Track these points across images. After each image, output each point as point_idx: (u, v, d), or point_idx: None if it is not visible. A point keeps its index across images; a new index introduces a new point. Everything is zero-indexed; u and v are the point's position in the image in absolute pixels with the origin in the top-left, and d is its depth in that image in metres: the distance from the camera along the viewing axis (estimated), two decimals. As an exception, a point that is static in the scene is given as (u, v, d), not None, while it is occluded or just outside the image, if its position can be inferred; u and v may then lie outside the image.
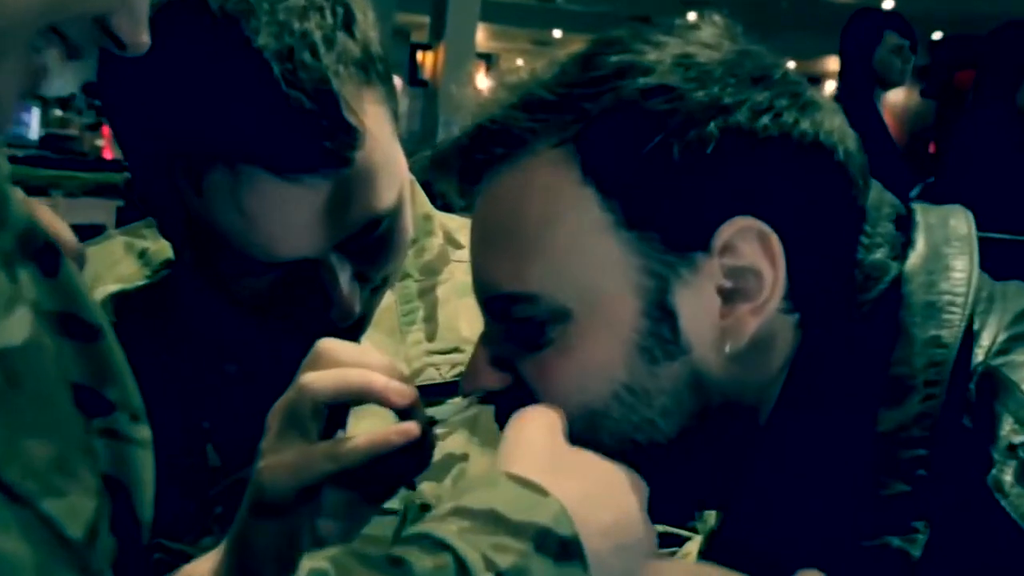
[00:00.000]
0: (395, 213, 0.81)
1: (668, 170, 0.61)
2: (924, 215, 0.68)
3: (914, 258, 0.65)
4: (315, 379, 0.65)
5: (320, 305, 0.79)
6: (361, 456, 0.64)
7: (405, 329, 0.91)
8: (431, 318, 0.93)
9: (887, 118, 3.65)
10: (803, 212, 0.63)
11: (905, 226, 0.67)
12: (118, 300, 0.90)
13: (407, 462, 0.67)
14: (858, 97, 3.47)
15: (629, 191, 0.62)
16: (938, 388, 0.61)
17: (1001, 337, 0.63)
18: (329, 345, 0.68)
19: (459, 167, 0.68)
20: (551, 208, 0.63)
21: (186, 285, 0.89)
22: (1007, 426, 0.59)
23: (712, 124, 0.61)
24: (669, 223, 0.62)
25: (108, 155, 7.01)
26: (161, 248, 0.93)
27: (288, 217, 0.74)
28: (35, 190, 5.53)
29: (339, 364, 0.66)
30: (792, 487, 0.63)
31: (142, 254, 0.93)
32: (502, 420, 0.67)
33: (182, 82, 0.73)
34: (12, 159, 6.40)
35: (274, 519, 0.65)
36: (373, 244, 0.80)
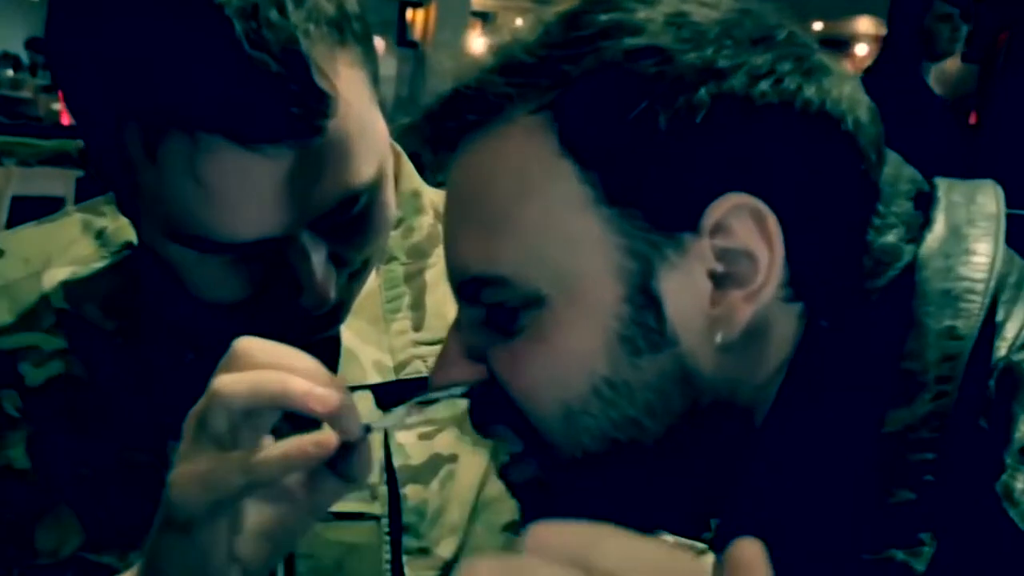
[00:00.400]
0: (374, 188, 0.80)
1: (653, 140, 0.59)
2: (948, 192, 0.67)
3: (931, 240, 0.63)
4: (227, 384, 0.64)
5: (290, 292, 0.78)
6: (275, 469, 0.63)
7: (389, 317, 0.90)
8: (418, 305, 0.92)
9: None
10: (805, 188, 0.62)
11: (925, 205, 0.66)
12: (71, 287, 0.89)
13: (341, 474, 0.67)
14: (904, 67, 3.47)
15: (610, 163, 0.60)
16: (951, 385, 0.60)
17: None
18: (247, 345, 0.66)
19: (431, 136, 0.67)
20: (525, 181, 0.62)
21: (148, 268, 0.87)
22: (1022, 427, 0.58)
23: (703, 90, 0.60)
24: (654, 199, 0.60)
25: (66, 120, 6.97)
26: (121, 227, 0.92)
27: (251, 191, 0.73)
28: (-16, 158, 5.50)
29: (257, 366, 0.65)
30: (790, 494, 0.62)
31: (100, 234, 0.92)
32: (477, 418, 0.66)
33: (136, 39, 0.71)
34: (-41, 124, 6.37)
35: (184, 535, 0.64)
36: (350, 223, 0.79)
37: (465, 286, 0.65)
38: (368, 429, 0.65)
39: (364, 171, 0.78)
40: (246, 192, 0.72)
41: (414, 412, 0.68)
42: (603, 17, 0.62)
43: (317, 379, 0.65)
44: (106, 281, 0.89)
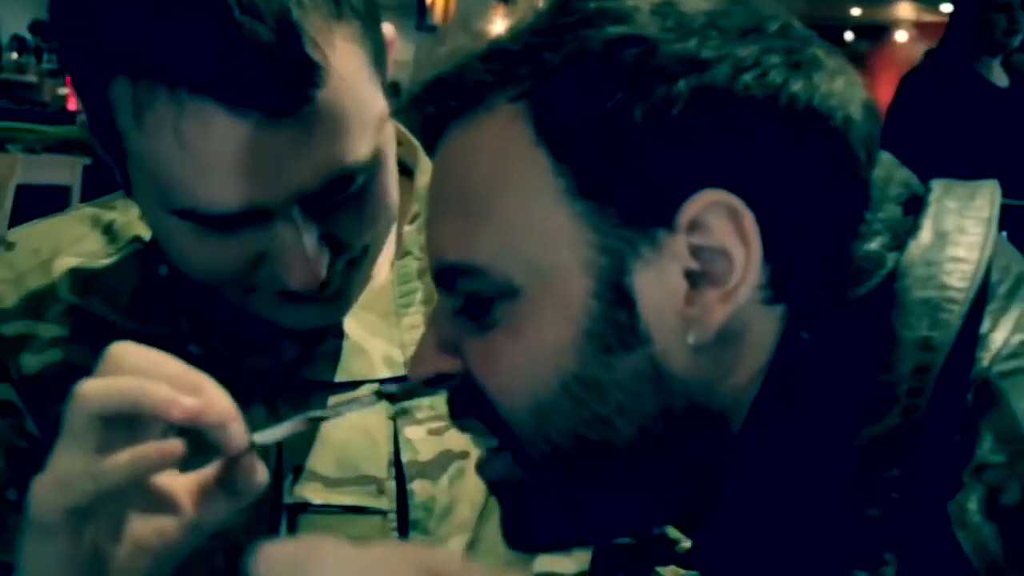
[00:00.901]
0: (371, 170, 0.80)
1: (629, 132, 0.60)
2: (942, 196, 0.66)
3: (914, 248, 0.63)
4: (89, 387, 0.66)
5: (279, 272, 0.79)
6: (121, 474, 0.64)
7: (402, 312, 0.91)
8: (431, 300, 0.92)
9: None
10: (787, 186, 0.62)
11: (917, 210, 0.65)
12: (78, 279, 0.91)
13: (228, 490, 0.68)
14: (959, 60, 3.37)
15: (583, 155, 0.61)
16: (921, 398, 0.60)
17: (1015, 339, 0.61)
18: (120, 349, 0.68)
19: (417, 121, 0.68)
20: (500, 170, 0.63)
21: (154, 263, 0.90)
22: (986, 444, 0.58)
23: (683, 81, 0.60)
24: (628, 194, 0.61)
25: (72, 106, 6.88)
26: (130, 221, 0.94)
27: (236, 157, 0.74)
28: (-12, 144, 5.41)
29: (126, 372, 0.66)
30: (764, 506, 0.63)
31: (108, 228, 0.94)
32: (453, 412, 0.67)
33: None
34: (-39, 109, 6.30)
35: (44, 540, 0.65)
36: (345, 205, 0.80)
37: (442, 273, 0.66)
38: (253, 444, 0.66)
39: (358, 149, 0.78)
40: (230, 158, 0.74)
41: (304, 426, 0.69)
42: (591, 5, 0.62)
43: (188, 388, 0.66)
44: (112, 275, 0.91)
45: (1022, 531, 0.56)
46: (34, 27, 10.89)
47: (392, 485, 0.86)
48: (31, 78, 7.50)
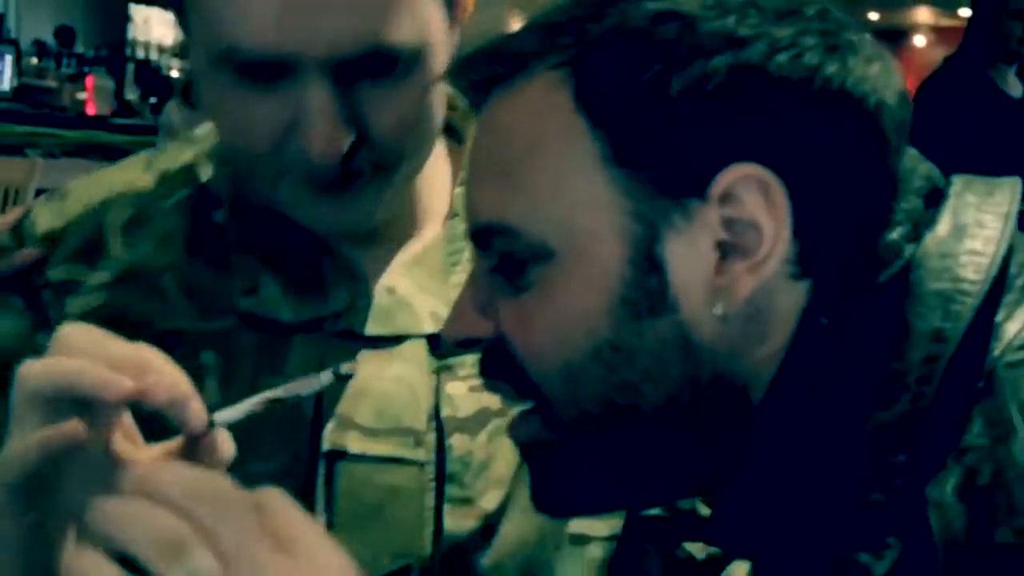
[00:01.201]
0: (413, 63, 0.80)
1: (665, 104, 0.62)
2: (962, 190, 0.67)
3: (930, 240, 0.64)
4: (30, 369, 0.65)
5: (303, 139, 0.79)
6: (32, 455, 0.63)
7: (450, 270, 0.91)
8: None
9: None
10: (818, 165, 0.63)
11: (937, 203, 0.66)
12: (130, 224, 0.91)
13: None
14: (974, 68, 3.34)
15: (621, 123, 0.63)
16: (929, 387, 0.61)
17: None
18: (67, 331, 0.67)
19: (463, 87, 0.70)
20: (538, 134, 0.65)
21: (208, 208, 0.91)
22: (975, 429, 0.60)
23: (720, 58, 0.61)
24: (662, 164, 0.62)
25: (91, 110, 6.95)
26: (182, 166, 0.94)
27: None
28: (8, 148, 5.47)
29: (73, 353, 0.65)
30: (778, 483, 0.64)
31: (160, 173, 0.94)
32: (485, 373, 0.69)
33: None
34: (-19, 113, 6.35)
35: None
36: (382, 94, 0.80)
37: (478, 234, 0.67)
38: (212, 424, 0.66)
39: (402, 28, 0.79)
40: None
41: (263, 407, 0.68)
42: None
43: (134, 369, 0.65)
44: (164, 222, 0.91)
45: (986, 511, 0.57)
46: (58, 32, 11.00)
47: (431, 438, 0.86)
48: (51, 83, 7.55)
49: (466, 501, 0.87)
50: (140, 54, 10.91)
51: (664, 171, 0.62)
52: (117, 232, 0.91)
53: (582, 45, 0.64)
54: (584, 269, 0.63)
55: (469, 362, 0.85)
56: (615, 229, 0.63)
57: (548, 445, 0.67)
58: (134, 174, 0.95)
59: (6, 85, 7.07)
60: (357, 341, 0.86)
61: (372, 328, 0.87)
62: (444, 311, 0.84)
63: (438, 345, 0.85)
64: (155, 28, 11.63)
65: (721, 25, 0.62)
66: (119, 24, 11.02)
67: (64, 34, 10.90)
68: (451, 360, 0.84)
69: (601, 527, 0.88)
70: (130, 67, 9.31)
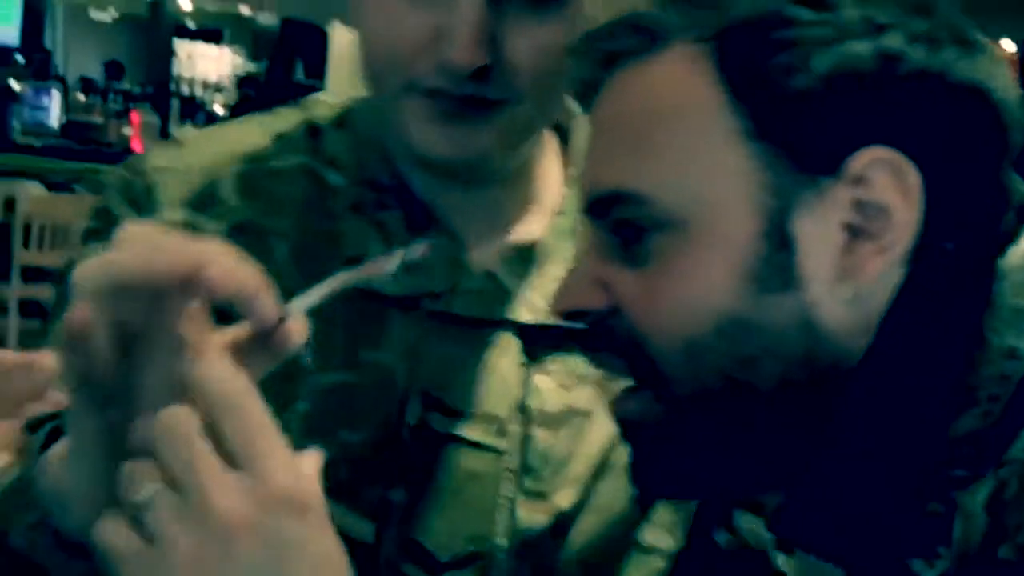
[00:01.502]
0: (564, 4, 0.83)
1: (807, 84, 0.63)
2: None
3: (1012, 255, 0.65)
4: (86, 265, 0.62)
5: (447, 45, 0.82)
6: (101, 354, 0.60)
7: (551, 265, 0.93)
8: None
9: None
10: (948, 157, 0.63)
11: None
12: (245, 179, 0.92)
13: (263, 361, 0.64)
14: None
15: (763, 99, 0.64)
16: (997, 405, 0.61)
17: None
18: (130, 228, 0.64)
19: (589, 58, 0.70)
20: (678, 104, 0.66)
21: (322, 174, 0.92)
22: (1019, 444, 0.60)
23: (861, 42, 0.63)
24: (800, 140, 0.63)
25: (137, 146, 6.99)
26: (298, 128, 0.95)
27: None
28: (56, 185, 5.51)
29: (134, 247, 0.63)
30: (845, 478, 0.64)
31: (277, 135, 0.96)
32: (592, 347, 0.69)
33: None
34: (30, 149, 6.43)
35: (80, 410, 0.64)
36: (527, 23, 0.82)
37: (599, 202, 0.67)
38: (285, 315, 0.64)
39: None
40: None
41: (338, 289, 0.67)
42: None
43: (195, 262, 0.61)
44: (279, 182, 0.93)
45: (1001, 525, 0.58)
46: (107, 67, 11.12)
47: (515, 428, 0.88)
48: (97, 119, 7.63)
49: (541, 495, 0.88)
50: (185, 90, 11.01)
51: (801, 148, 0.63)
52: (232, 186, 0.92)
53: (728, 20, 0.65)
54: (713, 240, 0.64)
55: (560, 359, 0.89)
56: (749, 202, 0.63)
57: (655, 422, 0.67)
58: (249, 134, 0.96)
59: (54, 122, 7.13)
60: (453, 322, 0.88)
61: (469, 311, 0.88)
62: (541, 303, 0.89)
63: (531, 336, 0.88)
64: (199, 64, 11.74)
65: (863, 12, 0.63)
66: (164, 60, 11.14)
67: (112, 69, 11.04)
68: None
69: (668, 541, 0.88)
70: (175, 103, 9.41)
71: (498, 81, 0.83)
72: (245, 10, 11.33)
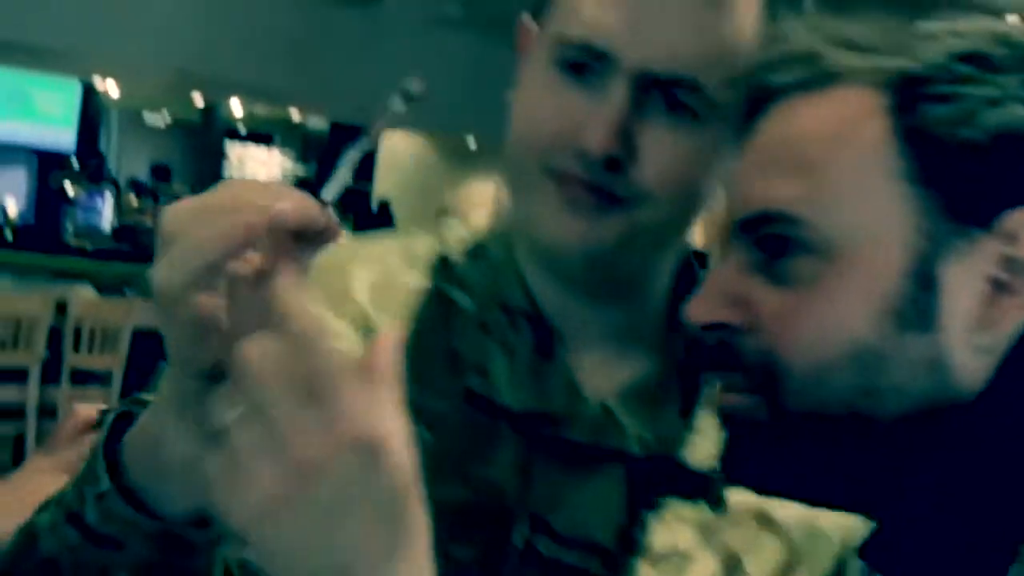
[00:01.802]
0: (710, 108, 0.85)
1: (973, 138, 0.65)
2: None
3: None
4: (175, 209, 0.66)
5: (583, 131, 0.85)
6: (194, 301, 0.63)
7: (663, 402, 0.94)
8: None
9: None
10: None
11: None
12: (376, 289, 0.95)
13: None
14: None
15: (928, 146, 0.66)
16: None
17: None
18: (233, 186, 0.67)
19: (755, 87, 0.73)
20: (848, 137, 0.68)
21: (447, 298, 0.95)
22: None
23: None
24: (959, 190, 0.65)
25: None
26: (429, 251, 0.99)
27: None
28: (108, 288, 5.55)
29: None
30: (945, 515, 0.65)
31: (408, 252, 0.99)
32: (716, 366, 0.70)
33: None
34: (82, 252, 6.50)
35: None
36: (665, 127, 0.85)
37: (750, 222, 0.69)
38: (325, 202, 0.68)
39: (711, 68, 0.84)
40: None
41: (352, 171, 0.71)
42: (942, 25, 0.69)
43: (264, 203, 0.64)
44: (405, 294, 0.95)
45: None
46: (154, 170, 11.33)
47: (620, 560, 0.89)
48: (148, 221, 7.73)
49: None
50: (235, 192, 11.18)
51: (958, 197, 0.65)
52: (364, 289, 0.95)
53: (906, 67, 0.67)
54: (860, 270, 0.66)
55: (666, 497, 0.89)
56: (900, 240, 0.65)
57: (759, 422, 0.68)
58: (381, 249, 0.99)
59: (106, 225, 7.23)
60: (566, 447, 0.89)
61: (583, 438, 0.89)
62: (651, 439, 0.92)
63: (641, 471, 0.90)
64: (250, 166, 11.94)
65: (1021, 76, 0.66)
66: (216, 163, 11.34)
67: (160, 172, 11.24)
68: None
69: None
70: (226, 205, 9.54)
71: (628, 177, 0.85)
72: (295, 115, 11.54)
